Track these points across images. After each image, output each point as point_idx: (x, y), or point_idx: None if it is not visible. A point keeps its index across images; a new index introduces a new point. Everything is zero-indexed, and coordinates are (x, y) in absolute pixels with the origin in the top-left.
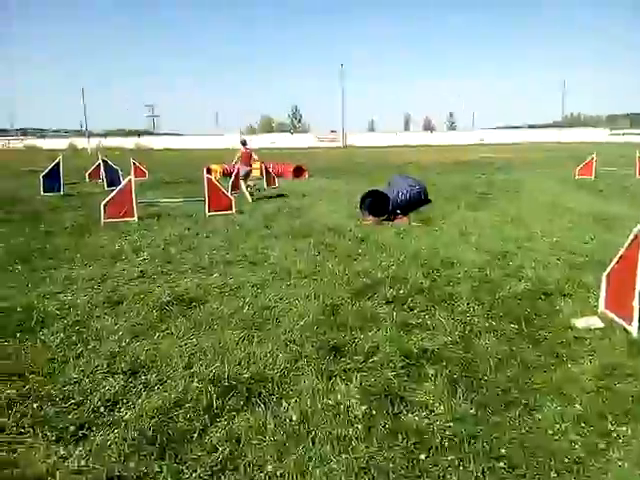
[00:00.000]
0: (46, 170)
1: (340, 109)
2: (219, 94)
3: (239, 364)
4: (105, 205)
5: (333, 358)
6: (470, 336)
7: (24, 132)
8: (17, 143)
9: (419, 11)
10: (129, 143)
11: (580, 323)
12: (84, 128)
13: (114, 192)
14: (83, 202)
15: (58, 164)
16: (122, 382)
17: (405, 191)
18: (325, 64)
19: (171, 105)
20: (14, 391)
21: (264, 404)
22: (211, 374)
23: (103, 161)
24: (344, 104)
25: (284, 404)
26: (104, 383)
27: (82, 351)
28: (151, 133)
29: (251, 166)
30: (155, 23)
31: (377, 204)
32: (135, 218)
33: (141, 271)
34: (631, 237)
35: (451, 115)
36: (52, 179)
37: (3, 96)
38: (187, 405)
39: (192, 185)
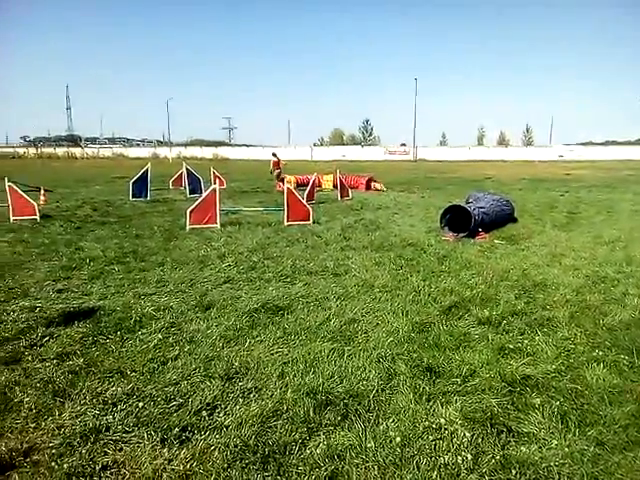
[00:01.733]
0: (135, 177)
1: (410, 122)
2: (292, 106)
3: (331, 377)
4: (191, 212)
5: (429, 379)
6: (575, 365)
7: (112, 141)
8: (106, 151)
9: (497, 22)
10: (207, 153)
11: None
12: (166, 138)
13: (199, 200)
14: (168, 208)
15: (146, 172)
16: (219, 387)
17: (488, 207)
18: (397, 76)
19: (246, 117)
20: (119, 389)
21: (362, 422)
22: (305, 386)
23: (186, 170)
24: (416, 117)
25: (383, 423)
26: (202, 386)
27: (179, 353)
28: (227, 144)
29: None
30: (234, 38)
31: (457, 220)
32: (218, 225)
33: (227, 277)
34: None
35: (528, 130)
36: (140, 185)
37: (95, 107)
38: (284, 416)
39: (267, 194)
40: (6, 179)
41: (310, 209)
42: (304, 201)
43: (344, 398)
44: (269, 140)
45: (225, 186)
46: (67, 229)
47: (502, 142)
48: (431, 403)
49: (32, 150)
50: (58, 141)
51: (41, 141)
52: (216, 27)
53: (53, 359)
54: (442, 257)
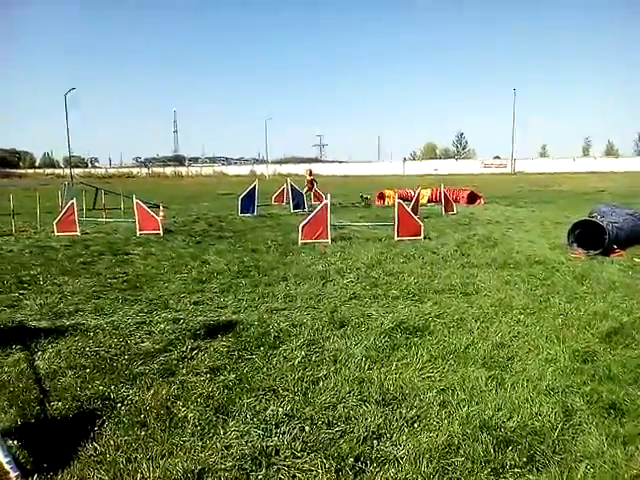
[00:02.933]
0: (243, 193)
1: (504, 133)
2: (383, 121)
3: (498, 410)
4: (303, 226)
5: (614, 417)
6: None
7: (212, 160)
8: (208, 169)
9: (604, 26)
10: (301, 170)
11: None
12: (261, 156)
13: (310, 215)
14: (276, 222)
15: (254, 188)
16: (379, 413)
17: (622, 222)
18: (492, 87)
19: (337, 134)
20: (279, 410)
21: (552, 466)
22: (473, 418)
23: (290, 186)
24: (514, 129)
25: (579, 470)
26: (360, 411)
27: (327, 373)
28: (320, 161)
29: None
30: (321, 56)
31: (585, 236)
32: (329, 240)
33: (353, 293)
34: None
35: None
36: (248, 202)
37: (192, 128)
38: (461, 452)
39: (367, 210)
40: (134, 196)
41: (421, 224)
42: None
43: (522, 435)
44: (359, 155)
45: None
46: (189, 243)
47: (610, 152)
48: (629, 447)
49: (144, 170)
50: (165, 161)
51: (151, 161)
52: (309, 48)
53: (206, 373)
54: (580, 276)
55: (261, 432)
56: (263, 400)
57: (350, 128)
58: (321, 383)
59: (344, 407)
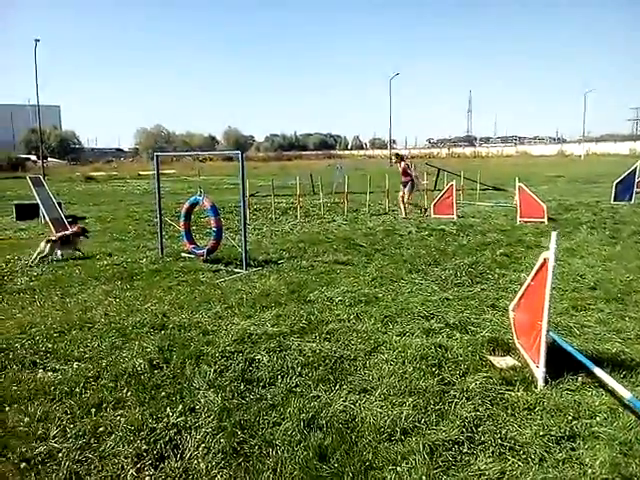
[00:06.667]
0: (620, 177)
1: None
2: None
3: None
4: None
5: None
6: None
7: (504, 140)
8: (509, 149)
9: None
10: (622, 149)
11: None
12: (560, 135)
13: None
14: None
15: (634, 171)
16: None
17: None
18: None
19: None
20: None
21: None
22: None
23: None
24: None
25: None
26: None
27: None
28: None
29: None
30: None
31: None
32: None
33: None
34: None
35: None
36: (625, 187)
37: (491, 108)
38: None
39: None
40: (517, 179)
41: None
42: None
43: None
44: None
45: None
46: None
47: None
48: None
49: (444, 150)
50: (456, 142)
51: (443, 142)
52: None
53: None
54: None
55: None
56: None
57: None
58: None
59: None
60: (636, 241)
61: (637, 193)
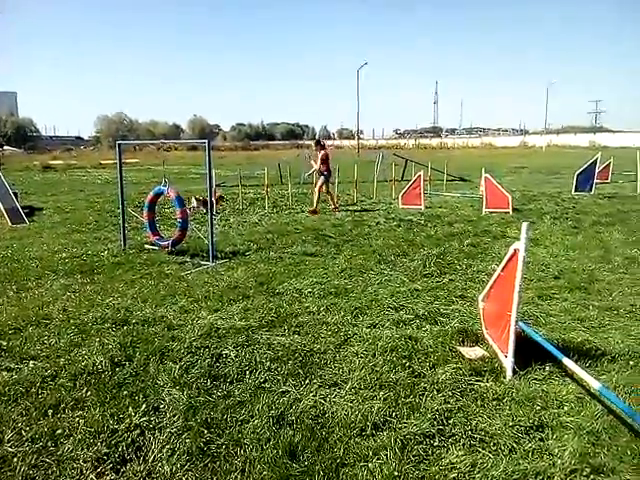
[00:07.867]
0: (581, 168)
1: None
2: None
3: None
4: None
5: None
6: None
7: (469, 131)
8: (474, 141)
9: None
10: (582, 141)
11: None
12: (522, 126)
13: None
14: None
15: (594, 163)
16: None
17: None
18: None
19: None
20: None
21: None
22: None
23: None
24: None
25: None
26: None
27: None
28: (607, 130)
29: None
30: None
31: None
32: None
33: None
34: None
35: None
36: (585, 178)
37: (456, 99)
38: None
39: None
40: (483, 169)
41: None
42: None
43: None
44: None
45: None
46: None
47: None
48: None
49: (411, 141)
50: (423, 133)
51: (409, 133)
52: None
53: None
54: None
55: None
56: None
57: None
58: None
59: None
60: (597, 231)
61: (597, 184)
